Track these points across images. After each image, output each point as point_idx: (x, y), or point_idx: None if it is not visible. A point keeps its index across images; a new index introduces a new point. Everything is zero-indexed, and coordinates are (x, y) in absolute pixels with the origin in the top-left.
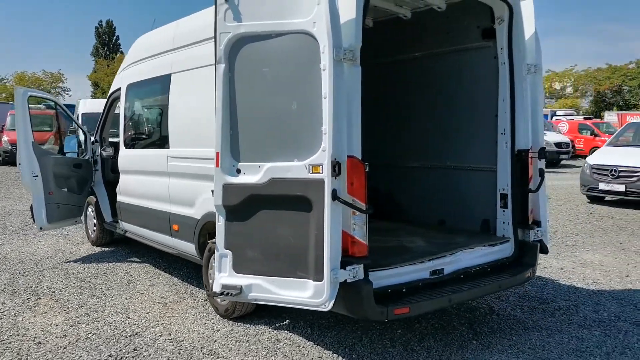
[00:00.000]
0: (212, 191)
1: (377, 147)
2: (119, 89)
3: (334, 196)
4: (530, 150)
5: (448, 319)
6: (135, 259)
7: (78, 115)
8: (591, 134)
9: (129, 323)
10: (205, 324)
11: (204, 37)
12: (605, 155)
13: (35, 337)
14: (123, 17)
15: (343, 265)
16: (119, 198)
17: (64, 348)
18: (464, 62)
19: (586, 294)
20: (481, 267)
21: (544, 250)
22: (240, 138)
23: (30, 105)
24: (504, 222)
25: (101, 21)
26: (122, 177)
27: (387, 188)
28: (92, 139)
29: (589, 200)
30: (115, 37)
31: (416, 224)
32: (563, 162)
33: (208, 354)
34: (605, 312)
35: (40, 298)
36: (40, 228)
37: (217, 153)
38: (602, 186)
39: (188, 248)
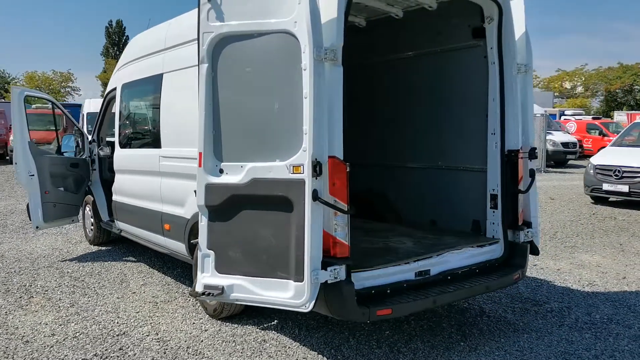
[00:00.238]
0: (195, 191)
1: (371, 147)
2: (115, 89)
3: (315, 196)
4: (520, 151)
5: (437, 320)
6: (131, 258)
7: (83, 115)
8: (600, 134)
9: (117, 322)
10: (193, 323)
11: (194, 37)
12: (609, 156)
13: (23, 336)
14: (133, 18)
15: (324, 266)
16: (114, 197)
17: (51, 347)
18: (455, 62)
19: (580, 295)
20: (469, 269)
21: (535, 252)
22: (223, 138)
23: (39, 105)
24: (493, 223)
25: (111, 21)
26: (117, 177)
27: (381, 189)
28: (90, 138)
29: (592, 201)
30: (125, 37)
31: (408, 224)
32: (570, 162)
33: (193, 354)
34: (598, 314)
35: (32, 297)
36: (37, 227)
37: (200, 153)
38: (605, 187)
39: (179, 247)
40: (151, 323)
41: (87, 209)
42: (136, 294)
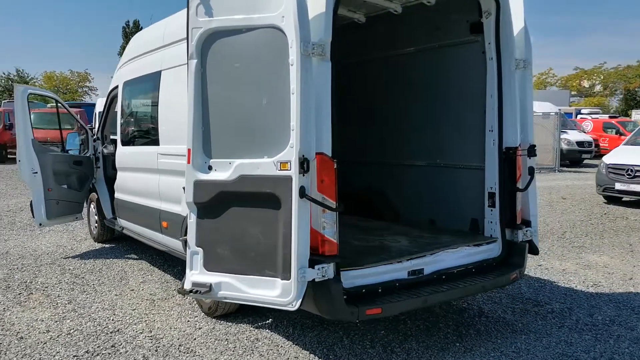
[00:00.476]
0: (184, 188)
1: (369, 145)
2: (117, 87)
3: (302, 193)
4: (518, 148)
5: (434, 320)
6: (133, 256)
7: (96, 114)
8: (617, 133)
9: (113, 319)
10: (188, 321)
11: None
12: (622, 155)
13: (18, 332)
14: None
15: (312, 264)
16: (116, 195)
17: (44, 344)
18: (454, 58)
19: (584, 296)
20: (465, 268)
21: (534, 251)
22: (212, 134)
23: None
24: (491, 222)
25: (128, 21)
26: (118, 174)
27: (379, 187)
28: (94, 136)
29: (605, 201)
30: None
31: (406, 223)
32: (585, 161)
33: (185, 352)
34: (600, 315)
35: (32, 293)
36: (40, 224)
37: (189, 150)
38: (618, 186)
39: (176, 245)
40: (146, 320)
41: (92, 206)
42: (134, 291)
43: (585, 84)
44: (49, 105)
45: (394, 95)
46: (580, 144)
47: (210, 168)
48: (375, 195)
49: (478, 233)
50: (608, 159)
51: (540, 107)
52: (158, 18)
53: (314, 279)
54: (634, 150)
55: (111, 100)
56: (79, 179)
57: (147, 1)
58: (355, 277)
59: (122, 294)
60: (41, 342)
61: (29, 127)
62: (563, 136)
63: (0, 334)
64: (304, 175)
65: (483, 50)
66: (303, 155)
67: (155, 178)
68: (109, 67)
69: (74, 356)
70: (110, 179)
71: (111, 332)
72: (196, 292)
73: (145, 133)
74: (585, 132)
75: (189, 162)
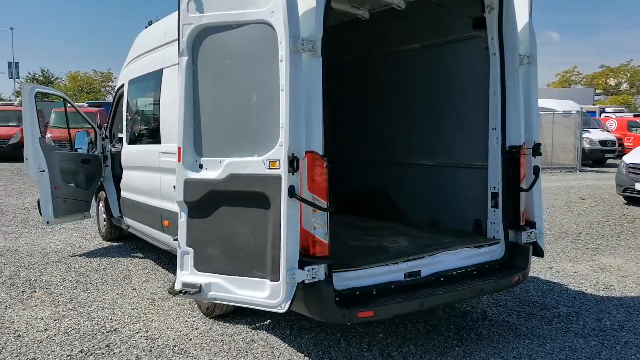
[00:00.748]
0: (175, 187)
1: (372, 144)
2: (123, 85)
3: (291, 193)
4: (522, 147)
5: (435, 323)
6: (139, 255)
7: None
8: None
9: (111, 319)
10: (186, 321)
11: None
12: None
13: (16, 330)
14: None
15: (302, 265)
16: (122, 193)
17: (40, 342)
18: (457, 54)
19: (593, 300)
20: (465, 270)
21: (539, 253)
22: (203, 132)
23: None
24: (494, 223)
25: (151, 21)
26: (124, 173)
27: (382, 187)
28: (102, 134)
29: (625, 202)
30: None
31: (409, 223)
32: (609, 161)
33: (178, 353)
34: (608, 320)
35: (35, 291)
36: (47, 222)
37: (179, 148)
38: (638, 186)
39: (176, 244)
40: (144, 320)
41: (100, 205)
42: (136, 290)
43: (612, 82)
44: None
45: (396, 93)
46: (603, 143)
47: (201, 167)
48: (377, 194)
49: (481, 234)
50: (628, 158)
51: (561, 105)
52: None
53: (303, 281)
54: None
55: (118, 99)
56: (87, 177)
57: (170, 1)
58: (349, 279)
59: (123, 293)
60: (38, 340)
61: (36, 126)
62: (585, 135)
63: None
64: (293, 174)
65: (486, 46)
66: (292, 154)
67: (157, 177)
68: None
69: (68, 355)
70: (118, 178)
71: (108, 332)
72: (185, 292)
73: (148, 131)
74: (608, 131)
75: (179, 161)
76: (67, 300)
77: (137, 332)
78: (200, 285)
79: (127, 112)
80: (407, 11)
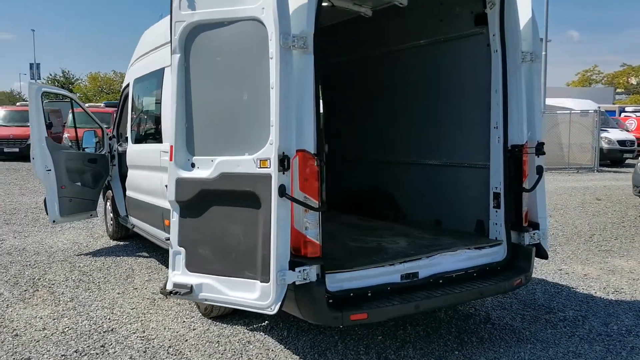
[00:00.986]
0: (167, 186)
1: (375, 143)
2: (128, 85)
3: (282, 192)
4: (525, 146)
5: (436, 326)
6: (144, 254)
7: None
8: None
9: (109, 318)
10: (184, 322)
11: None
12: None
13: (15, 329)
14: None
15: (293, 266)
16: (127, 193)
17: (37, 341)
18: (459, 52)
19: (602, 303)
20: (465, 272)
21: (543, 255)
22: (195, 131)
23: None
24: (496, 224)
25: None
26: (129, 172)
27: (385, 186)
28: (110, 134)
29: None
30: None
31: (411, 223)
32: (628, 161)
33: (173, 354)
34: (615, 325)
35: (37, 290)
36: (53, 221)
37: (171, 147)
38: None
39: None
40: (142, 320)
41: (108, 204)
42: (138, 289)
43: (633, 80)
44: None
45: (398, 91)
46: (621, 142)
47: (193, 165)
48: (381, 194)
49: (483, 235)
50: None
51: (578, 104)
52: None
53: (294, 282)
54: None
55: (124, 98)
56: (94, 176)
57: None
58: (342, 280)
59: (124, 293)
60: (34, 340)
61: (42, 125)
62: (603, 135)
63: None
64: (284, 173)
65: (488, 42)
66: (283, 153)
67: (159, 176)
68: None
69: (62, 355)
70: (125, 177)
71: (105, 332)
72: (176, 293)
73: (150, 130)
74: (628, 131)
75: (171, 159)
76: (68, 300)
77: (134, 333)
78: (192, 285)
79: (132, 111)
80: (409, 8)
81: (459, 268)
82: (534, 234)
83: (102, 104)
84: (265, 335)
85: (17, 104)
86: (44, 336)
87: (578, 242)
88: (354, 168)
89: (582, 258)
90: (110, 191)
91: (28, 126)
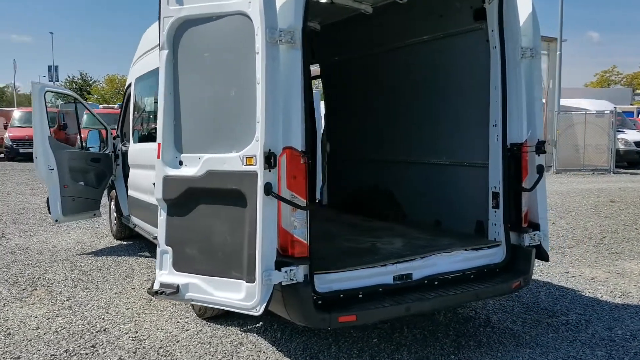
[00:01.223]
0: (154, 184)
1: (374, 141)
2: (130, 84)
3: (268, 190)
4: (525, 144)
5: (433, 329)
6: (146, 254)
7: None
8: None
9: (104, 318)
10: (178, 322)
11: None
12: None
13: (8, 328)
14: None
15: (279, 266)
16: (129, 192)
17: (29, 341)
18: (459, 48)
19: (607, 307)
20: (462, 274)
21: (544, 257)
22: (183, 128)
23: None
24: (495, 224)
25: None
26: (130, 172)
27: (386, 186)
28: (114, 133)
29: None
30: None
31: (411, 224)
32: None
33: (163, 355)
34: (620, 329)
35: (36, 289)
36: (56, 220)
37: (159, 144)
38: None
39: None
40: (136, 320)
41: (112, 203)
42: (135, 289)
43: None
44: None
45: (398, 89)
46: (638, 144)
47: (181, 163)
48: (381, 194)
49: (483, 236)
50: None
51: (594, 105)
52: None
53: (280, 282)
54: None
55: (127, 98)
56: (97, 176)
57: None
58: (332, 281)
59: (122, 292)
60: (27, 339)
61: (45, 124)
62: (620, 136)
63: None
64: (270, 171)
65: (487, 38)
66: (269, 150)
67: None
68: None
69: (52, 355)
70: (127, 177)
71: (97, 332)
72: (161, 293)
73: (149, 129)
74: None
75: (158, 157)
76: (65, 299)
77: (127, 333)
78: (178, 285)
79: (133, 110)
80: (409, 4)
81: (455, 269)
82: (534, 235)
83: (117, 105)
84: (258, 337)
85: None
86: (37, 335)
87: (588, 245)
88: (354, 167)
89: (591, 261)
90: (114, 191)
91: None
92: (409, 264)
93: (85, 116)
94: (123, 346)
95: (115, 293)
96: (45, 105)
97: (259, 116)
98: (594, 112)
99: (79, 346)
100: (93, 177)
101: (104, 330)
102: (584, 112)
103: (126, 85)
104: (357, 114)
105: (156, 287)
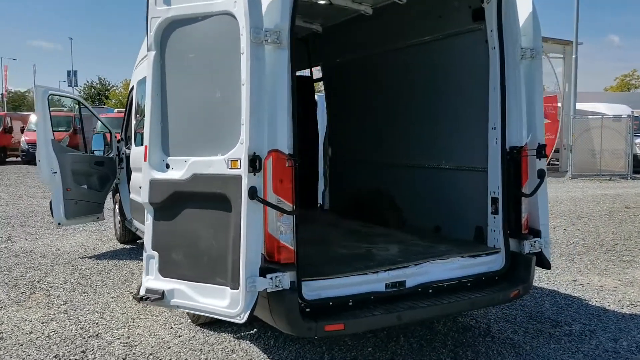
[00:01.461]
0: (140, 187)
1: (372, 144)
2: (132, 87)
3: (252, 194)
4: (525, 148)
5: (431, 338)
6: None
7: None
8: None
9: (97, 323)
10: (171, 328)
11: None
12: None
13: (1, 332)
14: None
15: (265, 273)
16: (131, 195)
17: (21, 345)
18: (458, 49)
19: (614, 317)
20: (459, 281)
21: (544, 265)
22: (171, 130)
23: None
24: (494, 231)
25: None
26: (132, 175)
27: (388, 190)
28: (119, 137)
29: None
30: None
31: (411, 229)
32: None
33: None
34: (625, 341)
35: (34, 293)
36: (59, 223)
37: (146, 147)
38: None
39: None
40: (130, 325)
41: (116, 207)
42: (133, 294)
43: None
44: (115, 110)
45: (398, 91)
46: None
47: (167, 166)
48: (381, 198)
49: (482, 243)
50: None
51: (611, 109)
52: None
53: (266, 289)
54: None
55: (130, 101)
56: (100, 179)
57: None
58: (320, 289)
59: (119, 297)
60: (18, 343)
61: (48, 128)
62: (638, 140)
63: None
64: (254, 175)
65: (486, 39)
66: (254, 153)
67: None
68: None
69: None
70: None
71: (89, 337)
72: (147, 299)
73: None
74: None
75: (145, 160)
76: (62, 303)
77: (119, 338)
78: (163, 291)
79: (135, 113)
80: (408, 5)
81: (450, 277)
82: (534, 242)
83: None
84: (251, 344)
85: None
86: (29, 340)
87: (599, 252)
88: (356, 171)
89: (601, 268)
90: (118, 194)
91: (59, 130)
92: (401, 271)
93: (98, 123)
94: (113, 352)
95: (113, 297)
96: (49, 109)
97: (243, 118)
98: (611, 116)
99: (69, 351)
100: (96, 180)
101: (97, 335)
102: (600, 117)
103: (129, 89)
104: (359, 116)
105: (142, 292)
